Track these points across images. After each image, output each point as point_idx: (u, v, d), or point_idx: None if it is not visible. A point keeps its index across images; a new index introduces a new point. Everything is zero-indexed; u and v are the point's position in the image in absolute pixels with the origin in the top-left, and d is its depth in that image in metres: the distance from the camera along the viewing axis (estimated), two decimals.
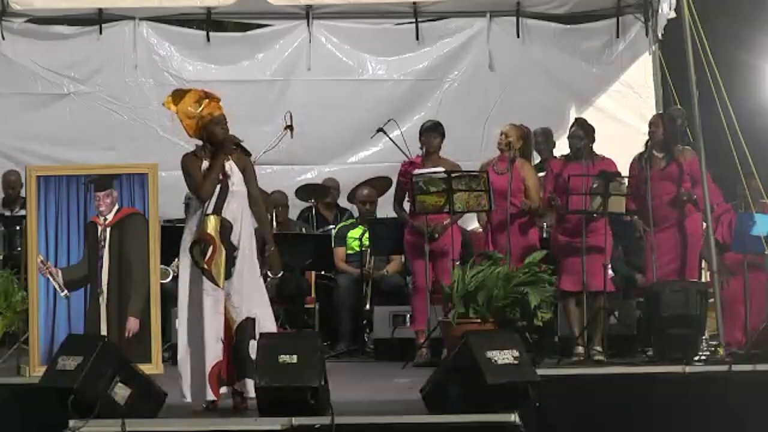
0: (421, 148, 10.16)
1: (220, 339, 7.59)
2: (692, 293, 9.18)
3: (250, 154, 7.90)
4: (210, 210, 7.58)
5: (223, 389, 7.66)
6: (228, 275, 7.58)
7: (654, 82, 12.63)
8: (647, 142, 9.72)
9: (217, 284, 7.55)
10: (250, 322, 7.61)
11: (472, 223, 11.27)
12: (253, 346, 7.48)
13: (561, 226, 9.62)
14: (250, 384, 7.48)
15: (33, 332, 8.75)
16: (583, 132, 9.63)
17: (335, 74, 12.76)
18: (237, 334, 7.61)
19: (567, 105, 12.64)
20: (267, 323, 7.69)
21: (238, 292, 7.62)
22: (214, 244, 7.53)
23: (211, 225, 7.55)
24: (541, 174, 10.44)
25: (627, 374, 8.67)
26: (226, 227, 7.58)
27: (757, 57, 12.45)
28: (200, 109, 7.68)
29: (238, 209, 7.64)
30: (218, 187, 7.60)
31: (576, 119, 10.01)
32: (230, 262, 7.57)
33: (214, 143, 7.69)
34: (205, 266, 7.53)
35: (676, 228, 9.63)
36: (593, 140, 9.66)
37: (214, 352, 7.57)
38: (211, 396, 7.56)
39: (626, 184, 9.50)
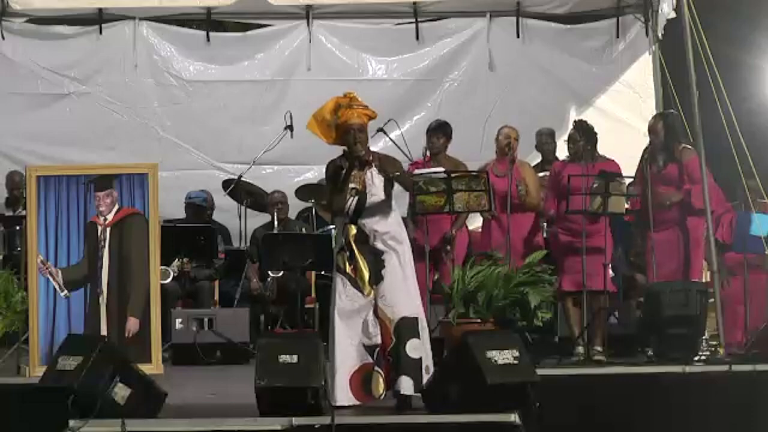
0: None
1: (362, 344, 7.69)
2: (692, 293, 9.18)
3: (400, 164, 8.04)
4: (347, 219, 7.77)
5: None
6: (378, 279, 7.70)
7: (654, 82, 12.62)
8: (646, 148, 9.70)
9: (361, 291, 7.69)
10: (407, 321, 7.66)
11: (474, 222, 11.25)
12: (412, 345, 7.59)
13: (563, 226, 9.61)
14: (406, 382, 7.54)
15: (33, 332, 8.75)
16: (580, 135, 9.61)
17: (335, 74, 12.73)
18: (394, 334, 7.67)
19: (567, 105, 12.63)
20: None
21: (391, 291, 7.70)
22: (354, 252, 7.69)
23: (351, 234, 7.75)
24: (543, 174, 10.44)
25: (627, 374, 8.67)
26: (363, 235, 7.74)
27: (757, 57, 12.44)
28: (336, 116, 7.80)
29: (375, 217, 7.77)
30: (356, 199, 7.75)
31: (575, 122, 9.96)
32: (377, 265, 7.70)
33: (350, 150, 7.80)
34: (350, 273, 7.70)
35: (677, 228, 9.63)
36: (594, 141, 9.64)
37: (360, 356, 7.68)
38: (348, 401, 7.58)
39: (626, 184, 9.51)
